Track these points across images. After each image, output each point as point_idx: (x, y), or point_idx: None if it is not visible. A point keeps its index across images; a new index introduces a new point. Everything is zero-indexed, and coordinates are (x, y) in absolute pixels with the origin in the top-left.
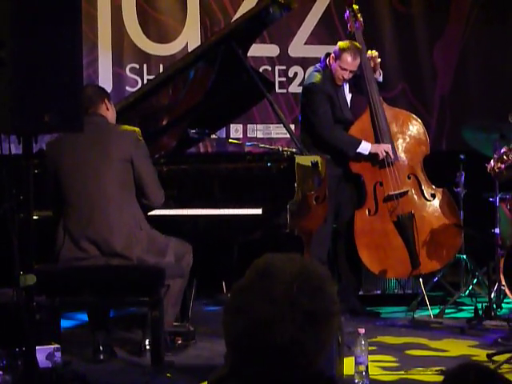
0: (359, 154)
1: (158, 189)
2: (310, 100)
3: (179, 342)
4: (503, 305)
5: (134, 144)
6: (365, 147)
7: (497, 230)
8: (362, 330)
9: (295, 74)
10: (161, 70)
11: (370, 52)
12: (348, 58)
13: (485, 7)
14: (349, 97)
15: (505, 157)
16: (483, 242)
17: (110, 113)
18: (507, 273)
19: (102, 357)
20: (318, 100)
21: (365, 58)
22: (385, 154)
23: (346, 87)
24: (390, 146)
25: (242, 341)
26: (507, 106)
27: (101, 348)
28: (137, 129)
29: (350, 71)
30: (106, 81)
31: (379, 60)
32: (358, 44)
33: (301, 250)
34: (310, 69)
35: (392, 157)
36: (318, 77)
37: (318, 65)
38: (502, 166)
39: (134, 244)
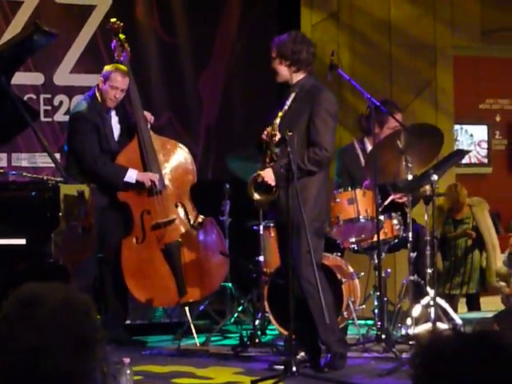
0: (126, 183)
1: None
2: (76, 129)
3: None
4: (267, 331)
5: None
6: (131, 175)
7: (261, 258)
8: (127, 360)
9: (61, 103)
10: None
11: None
12: (118, 76)
13: (247, 44)
14: (117, 128)
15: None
16: (248, 270)
17: None
18: (271, 300)
19: None
20: (83, 129)
21: (133, 87)
22: (151, 182)
23: (115, 118)
24: (157, 175)
25: (9, 372)
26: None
27: None
28: None
29: (121, 90)
30: None
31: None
32: (123, 67)
33: (66, 279)
34: (77, 97)
35: (159, 185)
36: (84, 106)
37: (86, 94)
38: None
39: None
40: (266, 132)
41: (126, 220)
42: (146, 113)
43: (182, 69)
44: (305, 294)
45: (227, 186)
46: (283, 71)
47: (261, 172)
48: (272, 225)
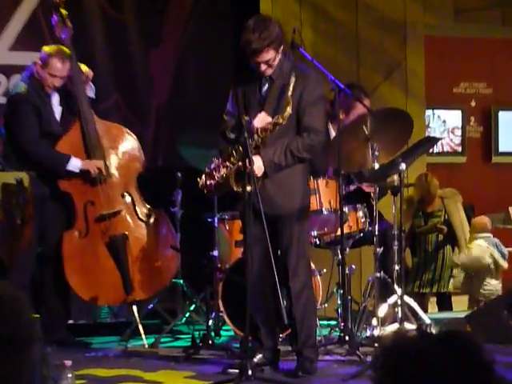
0: (69, 171)
1: None
2: (15, 111)
3: None
4: (222, 332)
5: None
6: (75, 164)
7: (215, 253)
8: (68, 363)
9: None
10: None
11: (84, 68)
12: (57, 63)
13: (201, 20)
14: (59, 109)
15: (215, 172)
16: (201, 266)
17: None
18: (226, 298)
19: None
20: (23, 111)
21: (75, 67)
22: (97, 170)
23: (56, 99)
24: (102, 162)
25: None
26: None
27: None
28: None
29: (61, 77)
30: None
31: (91, 75)
32: (66, 49)
33: (1, 273)
34: (16, 77)
35: (104, 174)
36: (23, 86)
37: (24, 73)
38: (212, 182)
39: None
40: (246, 119)
41: (67, 211)
42: (84, 68)
43: (131, 47)
44: (294, 294)
45: (179, 174)
46: (276, 60)
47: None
48: (227, 217)
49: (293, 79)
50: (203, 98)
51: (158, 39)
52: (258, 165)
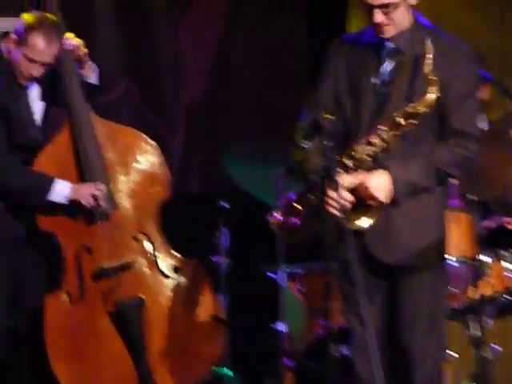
0: (52, 201)
1: None
2: None
3: None
4: None
5: None
6: (61, 190)
7: (281, 326)
8: None
9: None
10: None
11: (70, 36)
12: (39, 41)
13: None
14: (40, 106)
15: (297, 205)
16: (258, 347)
17: None
18: None
19: None
20: None
21: (64, 43)
22: (93, 200)
23: (35, 91)
24: (103, 186)
25: None
26: (292, 119)
27: None
28: None
29: (43, 64)
30: None
31: (86, 50)
32: (53, 16)
33: None
34: None
35: (105, 205)
36: None
37: None
38: (294, 220)
39: None
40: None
41: (51, 263)
42: (77, 41)
43: (149, 12)
44: None
45: (224, 204)
46: (402, 16)
47: (365, 180)
48: (301, 271)
49: (431, 49)
50: (261, 90)
51: (190, 1)
52: (382, 185)
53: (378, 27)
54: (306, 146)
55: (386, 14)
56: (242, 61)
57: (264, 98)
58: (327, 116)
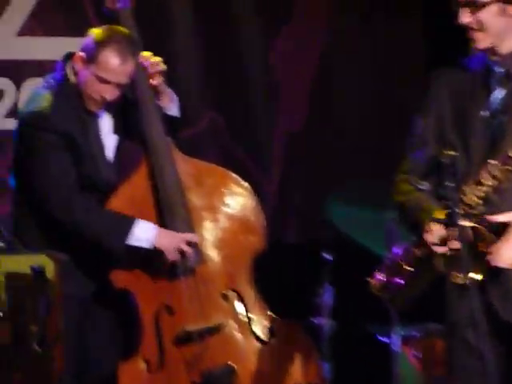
0: (131, 248)
1: None
2: (30, 147)
3: None
4: None
5: None
6: (145, 234)
7: None
8: None
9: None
10: None
11: (147, 55)
12: (112, 57)
13: None
14: (112, 140)
15: (404, 265)
16: None
17: None
18: None
19: None
20: (47, 146)
21: (139, 67)
22: (180, 252)
23: (107, 121)
24: (195, 238)
25: None
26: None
27: None
28: None
29: (117, 85)
30: None
31: (165, 67)
32: (125, 31)
33: None
34: (32, 84)
35: (192, 258)
36: (48, 101)
37: (48, 76)
38: (398, 280)
39: None
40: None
41: (126, 325)
42: (155, 59)
43: (238, 33)
44: None
45: (328, 256)
46: (500, 24)
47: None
48: (418, 334)
49: None
50: (372, 123)
51: (286, 20)
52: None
53: (469, 35)
54: (423, 188)
55: (473, 13)
56: (347, 85)
57: (375, 130)
58: (449, 152)
